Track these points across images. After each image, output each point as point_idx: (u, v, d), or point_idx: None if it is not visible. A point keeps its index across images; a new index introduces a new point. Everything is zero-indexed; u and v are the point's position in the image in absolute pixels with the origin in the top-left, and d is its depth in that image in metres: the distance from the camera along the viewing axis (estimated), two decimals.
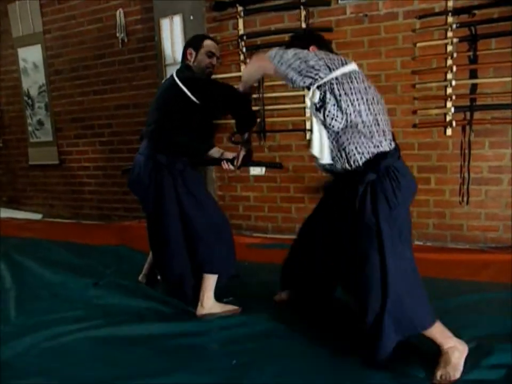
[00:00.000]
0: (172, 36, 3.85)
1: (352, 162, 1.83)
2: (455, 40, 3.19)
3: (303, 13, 3.56)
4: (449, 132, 3.34)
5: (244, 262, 3.08)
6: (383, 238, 1.77)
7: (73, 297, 2.75)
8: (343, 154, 1.83)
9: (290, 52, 1.80)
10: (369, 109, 1.79)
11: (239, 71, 3.86)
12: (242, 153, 2.39)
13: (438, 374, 1.74)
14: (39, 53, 4.91)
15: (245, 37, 3.78)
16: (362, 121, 1.78)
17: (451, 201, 3.44)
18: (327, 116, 1.77)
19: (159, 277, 2.90)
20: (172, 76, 2.34)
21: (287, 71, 1.77)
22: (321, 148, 1.86)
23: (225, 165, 2.46)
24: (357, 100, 1.77)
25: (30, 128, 5.22)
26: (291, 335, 2.17)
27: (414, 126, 3.43)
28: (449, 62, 3.24)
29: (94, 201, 4.95)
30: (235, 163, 2.41)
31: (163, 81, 2.49)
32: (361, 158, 1.82)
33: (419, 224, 3.52)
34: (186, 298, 2.51)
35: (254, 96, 3.80)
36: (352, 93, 1.76)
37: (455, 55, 3.20)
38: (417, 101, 3.39)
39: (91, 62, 4.63)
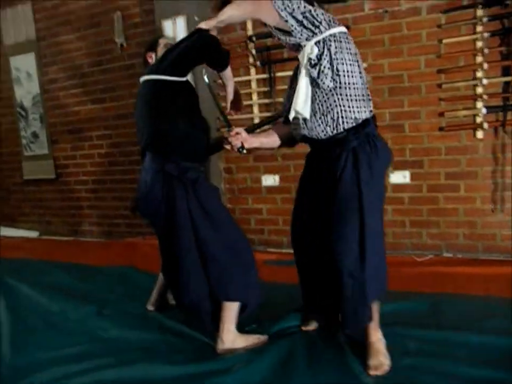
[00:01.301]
0: (175, 38, 3.58)
1: (335, 126, 1.81)
2: (485, 34, 2.93)
3: None
4: (479, 134, 3.08)
5: None
6: (363, 201, 1.77)
7: (75, 329, 2.45)
8: (328, 117, 1.81)
9: (294, 0, 1.75)
10: (360, 72, 1.82)
11: (248, 74, 3.60)
12: (229, 97, 2.18)
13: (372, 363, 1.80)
14: (33, 61, 4.67)
15: (254, 38, 3.53)
16: (354, 83, 1.78)
17: (482, 209, 3.17)
18: (321, 72, 1.76)
19: (172, 302, 2.61)
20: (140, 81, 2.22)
21: (288, 18, 1.73)
22: (305, 103, 1.83)
23: (227, 145, 2.09)
24: (351, 60, 1.78)
25: (24, 141, 4.96)
26: (329, 369, 1.87)
27: (441, 129, 3.18)
28: (479, 59, 2.98)
29: (94, 217, 4.67)
30: (227, 111, 2.18)
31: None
32: (344, 122, 1.80)
33: (447, 234, 3.26)
34: (204, 325, 2.21)
35: (264, 89, 3.54)
36: (348, 53, 1.77)
37: (486, 51, 2.94)
38: (444, 102, 3.14)
39: (88, 69, 4.38)
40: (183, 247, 2.09)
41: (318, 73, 1.77)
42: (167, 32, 3.61)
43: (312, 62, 1.78)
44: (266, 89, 3.56)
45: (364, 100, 1.83)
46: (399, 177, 3.31)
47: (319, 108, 1.83)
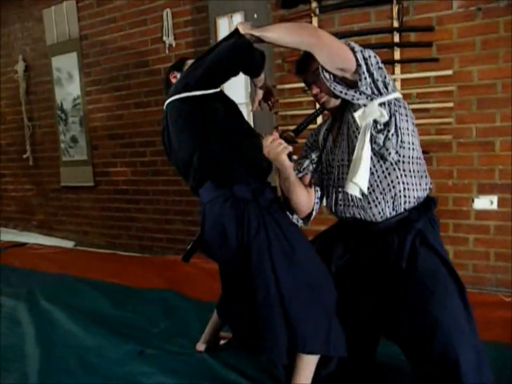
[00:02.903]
0: None
1: (394, 207, 1.57)
2: None
3: (396, 8, 2.88)
4: None
5: None
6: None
7: (112, 372, 2.10)
8: (388, 196, 1.56)
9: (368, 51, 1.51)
10: (419, 144, 1.62)
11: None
12: (259, 97, 1.96)
13: None
14: (75, 61, 4.40)
15: None
16: (417, 158, 1.58)
17: None
18: (388, 139, 1.50)
19: (222, 342, 2.29)
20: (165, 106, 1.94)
21: (362, 63, 1.47)
22: (366, 175, 1.52)
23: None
24: (412, 131, 1.58)
25: (62, 146, 4.69)
26: None
27: None
28: None
29: (133, 230, 4.35)
30: (254, 109, 2.01)
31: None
32: (406, 202, 1.57)
33: None
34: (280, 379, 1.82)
35: None
36: (408, 121, 1.55)
37: None
38: None
39: (132, 70, 4.07)
40: (261, 289, 1.72)
41: (384, 141, 1.51)
42: (222, 31, 3.25)
43: (378, 127, 1.51)
44: None
45: (425, 177, 1.63)
46: (485, 202, 2.84)
47: (378, 184, 1.57)
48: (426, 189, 1.63)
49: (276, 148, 1.57)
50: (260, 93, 1.97)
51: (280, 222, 1.76)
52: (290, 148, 1.59)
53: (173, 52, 3.78)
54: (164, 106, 1.93)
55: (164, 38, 3.75)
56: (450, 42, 2.81)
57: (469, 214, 2.87)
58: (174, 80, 2.02)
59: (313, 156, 1.78)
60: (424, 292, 1.51)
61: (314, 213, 1.83)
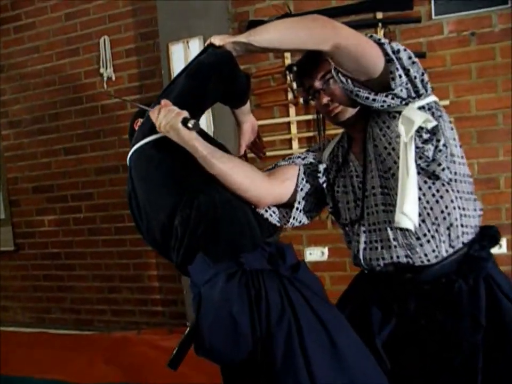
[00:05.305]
0: None
1: (450, 241, 1.21)
2: None
3: (381, 32, 2.58)
4: None
5: None
6: None
7: None
8: (442, 227, 1.20)
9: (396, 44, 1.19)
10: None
11: (287, 115, 2.78)
12: (246, 138, 1.51)
13: None
14: None
15: (294, 68, 2.71)
16: (468, 175, 1.26)
17: None
18: (440, 151, 1.17)
19: None
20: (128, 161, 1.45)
21: (394, 57, 1.14)
22: (415, 202, 1.16)
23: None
24: (458, 141, 1.26)
25: None
26: None
27: None
28: None
29: (67, 302, 3.60)
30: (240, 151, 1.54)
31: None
32: (464, 234, 1.22)
33: None
34: None
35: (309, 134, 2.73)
36: (452, 129, 1.24)
37: None
38: None
39: (62, 109, 3.45)
40: None
41: (435, 153, 1.17)
42: (177, 59, 2.75)
43: (424, 136, 1.17)
44: (311, 134, 2.74)
45: (476, 200, 1.29)
46: None
47: (428, 213, 1.21)
48: (480, 215, 1.29)
49: (167, 117, 1.16)
50: (247, 132, 1.51)
51: (310, 299, 1.27)
52: (185, 113, 1.17)
53: (113, 87, 3.24)
54: (127, 161, 1.39)
55: (101, 70, 3.22)
56: (444, 70, 2.58)
57: None
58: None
59: (309, 156, 1.44)
60: None
61: (294, 222, 1.42)
